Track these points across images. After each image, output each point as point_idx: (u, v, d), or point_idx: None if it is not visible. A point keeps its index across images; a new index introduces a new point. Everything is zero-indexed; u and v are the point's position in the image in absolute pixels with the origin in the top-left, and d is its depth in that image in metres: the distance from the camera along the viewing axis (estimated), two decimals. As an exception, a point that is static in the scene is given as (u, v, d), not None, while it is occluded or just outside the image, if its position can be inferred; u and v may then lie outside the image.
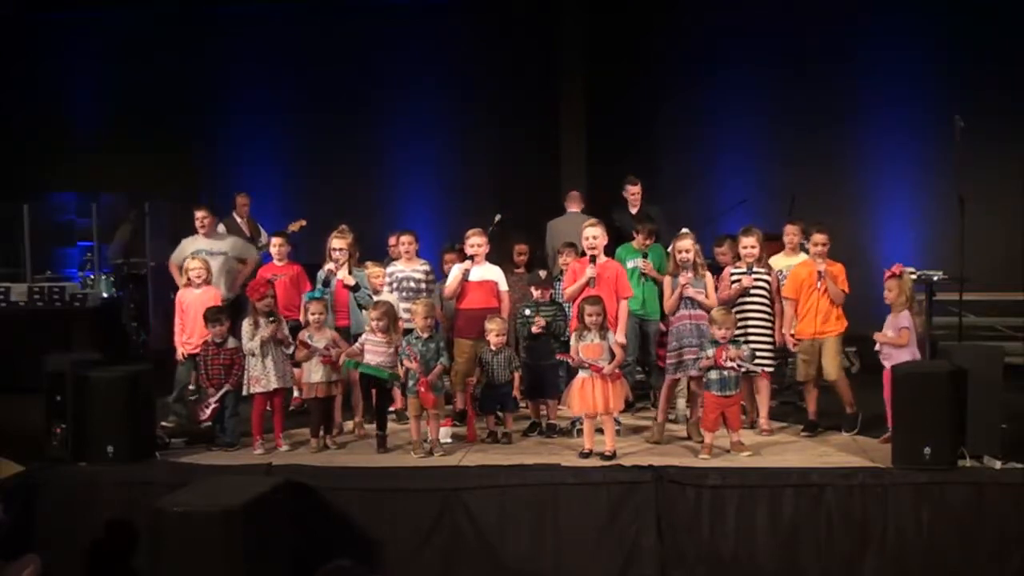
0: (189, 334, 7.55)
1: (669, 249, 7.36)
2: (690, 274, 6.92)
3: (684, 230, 7.52)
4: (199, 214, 8.32)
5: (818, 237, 7.16)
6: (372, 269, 7.86)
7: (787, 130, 11.34)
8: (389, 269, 8.04)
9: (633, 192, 9.26)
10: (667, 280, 7.13)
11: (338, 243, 7.55)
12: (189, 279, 7.60)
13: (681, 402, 7.41)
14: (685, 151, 11.52)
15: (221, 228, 9.52)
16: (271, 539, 5.51)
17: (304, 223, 9.57)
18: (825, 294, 7.07)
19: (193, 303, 7.55)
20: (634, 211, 9.14)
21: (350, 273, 7.55)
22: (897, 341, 6.62)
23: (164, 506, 5.29)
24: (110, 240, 11.39)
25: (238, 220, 9.86)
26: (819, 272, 7.07)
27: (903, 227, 11.05)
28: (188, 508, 5.23)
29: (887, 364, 6.57)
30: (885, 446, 6.37)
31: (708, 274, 7.07)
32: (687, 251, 6.96)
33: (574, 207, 9.92)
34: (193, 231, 8.43)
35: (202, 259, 7.77)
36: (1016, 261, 10.15)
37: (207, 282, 7.67)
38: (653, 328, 7.77)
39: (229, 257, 8.36)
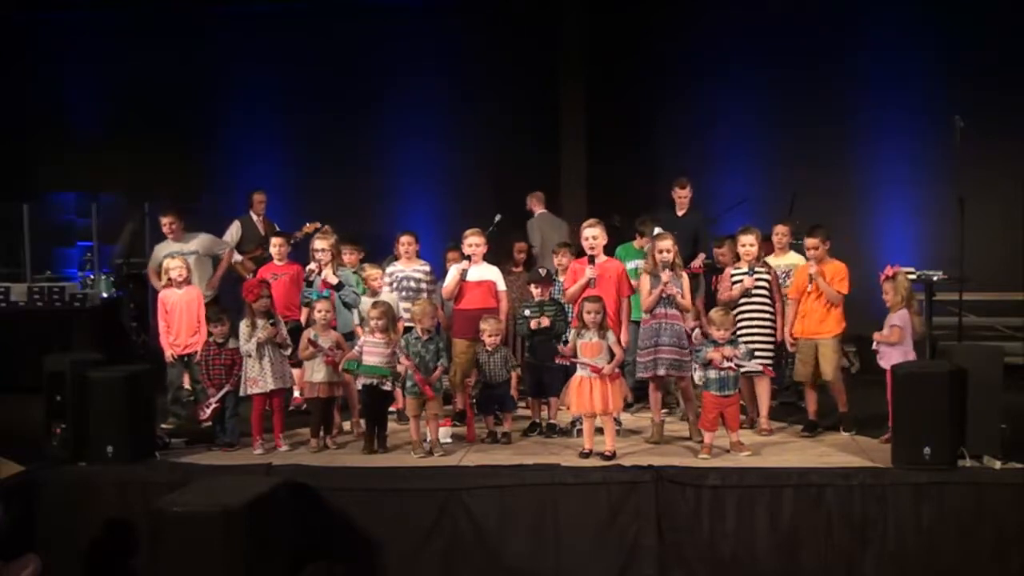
0: (175, 335, 7.54)
1: (648, 247, 7.33)
2: (670, 273, 6.91)
3: (658, 230, 7.52)
4: (165, 220, 8.33)
5: (808, 241, 7.17)
6: (369, 271, 7.86)
7: (787, 130, 11.32)
8: (389, 269, 8.05)
9: (682, 195, 8.91)
10: (644, 278, 7.11)
11: (320, 244, 7.58)
12: (171, 279, 7.57)
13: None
14: (685, 151, 11.49)
15: (235, 226, 9.54)
16: (271, 539, 5.51)
17: (319, 225, 9.56)
18: (820, 296, 7.07)
19: (177, 303, 7.55)
20: (680, 213, 8.90)
21: (334, 273, 7.56)
22: (887, 339, 6.66)
23: (164, 506, 5.30)
24: (110, 240, 11.41)
25: (254, 218, 9.87)
26: (810, 275, 7.08)
27: (903, 227, 11.04)
28: (188, 508, 5.24)
29: (882, 363, 6.60)
30: (885, 446, 6.38)
31: (685, 275, 7.08)
32: (667, 251, 6.96)
33: (540, 207, 10.24)
34: (192, 230, 8.46)
35: (182, 258, 7.74)
36: (1016, 261, 10.15)
37: (188, 281, 7.66)
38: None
39: (200, 256, 8.37)
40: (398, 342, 6.87)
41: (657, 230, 7.69)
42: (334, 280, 7.52)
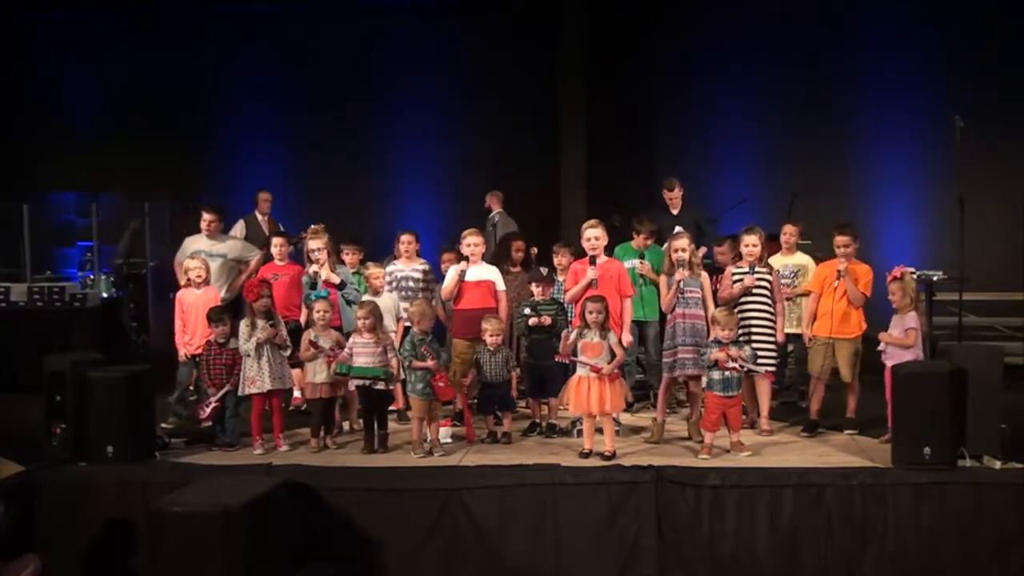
0: (191, 334, 7.54)
1: (664, 247, 7.35)
2: (686, 272, 6.91)
3: (678, 229, 7.52)
4: (208, 216, 8.30)
5: (839, 239, 7.13)
6: (372, 270, 7.86)
7: (787, 130, 11.32)
8: (389, 268, 8.04)
9: (670, 197, 9.06)
10: (662, 279, 7.13)
11: (315, 243, 7.56)
12: (189, 279, 7.61)
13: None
14: (685, 151, 11.51)
15: (240, 225, 9.52)
16: (271, 539, 5.51)
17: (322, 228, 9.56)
18: (844, 295, 7.05)
19: (194, 304, 7.56)
20: (675, 212, 9.02)
21: (333, 271, 7.56)
22: (904, 342, 6.64)
23: (164, 506, 5.30)
24: (110, 240, 11.41)
25: (259, 218, 9.86)
26: (839, 271, 7.06)
27: (903, 227, 11.04)
28: (188, 508, 5.23)
29: (890, 363, 6.58)
30: (885, 446, 6.38)
31: (704, 274, 7.07)
32: (683, 250, 6.97)
33: (498, 207, 10.37)
34: (195, 230, 8.45)
35: (201, 259, 7.77)
36: (1016, 261, 10.15)
37: (207, 282, 7.68)
38: (652, 330, 7.79)
39: (228, 259, 8.37)
40: (388, 342, 6.86)
41: (678, 229, 7.69)
42: (336, 279, 7.51)
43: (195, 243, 8.31)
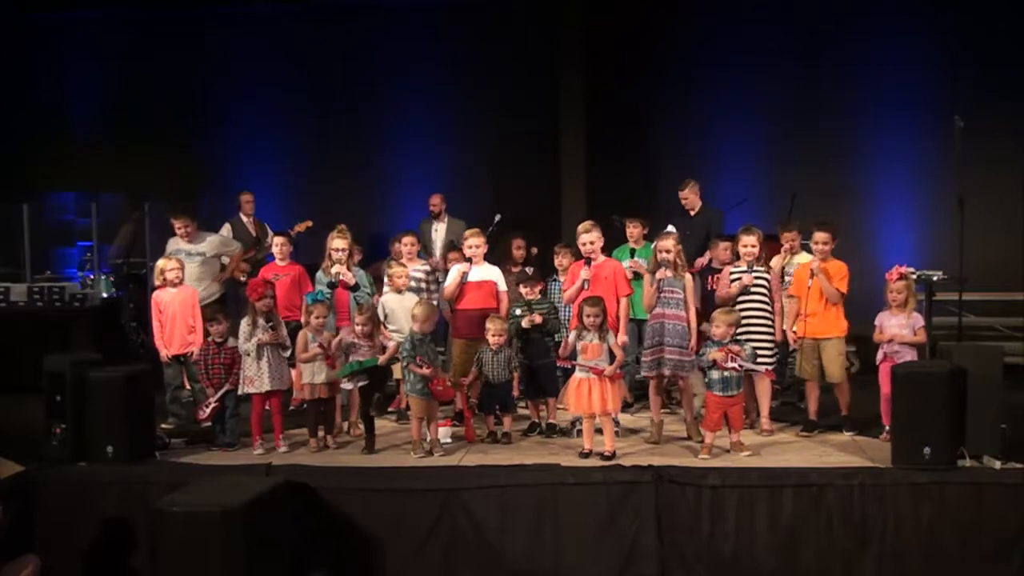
0: (169, 335, 7.55)
1: (652, 247, 7.35)
2: (669, 272, 6.89)
3: (668, 229, 7.52)
4: (179, 223, 8.32)
5: (818, 236, 7.16)
6: (396, 269, 7.79)
7: (787, 129, 11.31)
8: (389, 271, 8.03)
9: (682, 197, 8.98)
10: (646, 278, 7.11)
11: (340, 243, 7.55)
12: (165, 279, 7.59)
13: (697, 400, 7.22)
14: (685, 151, 11.49)
15: (225, 228, 9.53)
16: (271, 539, 5.51)
17: (310, 224, 9.56)
18: (822, 296, 7.05)
19: (170, 303, 7.58)
20: (692, 214, 8.97)
21: (349, 272, 7.55)
22: (918, 340, 6.69)
23: (164, 506, 5.30)
24: (110, 240, 11.41)
25: (244, 219, 9.85)
26: (811, 270, 7.07)
27: (903, 227, 11.04)
28: (188, 508, 5.23)
29: (900, 361, 6.60)
30: (885, 446, 6.39)
31: (688, 275, 7.04)
32: (667, 251, 6.95)
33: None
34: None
35: (177, 259, 7.76)
36: (1016, 261, 10.15)
37: (183, 281, 7.67)
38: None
39: (208, 258, 8.38)
40: (404, 345, 6.88)
41: (669, 228, 7.68)
42: (352, 280, 7.51)
43: (175, 244, 8.35)
